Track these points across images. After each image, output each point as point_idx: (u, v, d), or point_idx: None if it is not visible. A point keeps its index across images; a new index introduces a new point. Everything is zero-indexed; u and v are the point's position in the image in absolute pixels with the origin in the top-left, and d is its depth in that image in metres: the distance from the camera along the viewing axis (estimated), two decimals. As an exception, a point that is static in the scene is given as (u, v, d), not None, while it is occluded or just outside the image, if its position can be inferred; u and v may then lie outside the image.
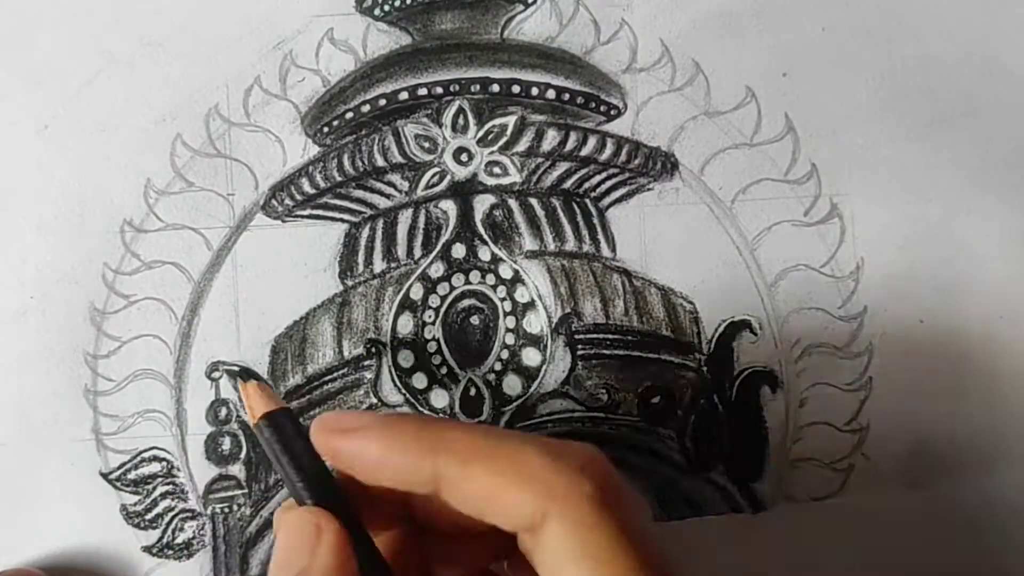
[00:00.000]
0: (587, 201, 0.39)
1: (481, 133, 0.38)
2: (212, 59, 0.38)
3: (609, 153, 0.39)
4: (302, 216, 0.38)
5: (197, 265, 0.37)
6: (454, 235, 0.38)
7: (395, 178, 0.38)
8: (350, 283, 0.38)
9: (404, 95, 0.38)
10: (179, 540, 0.37)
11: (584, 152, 0.39)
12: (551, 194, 0.39)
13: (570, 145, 0.39)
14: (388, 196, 0.38)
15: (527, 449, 0.26)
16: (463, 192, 0.38)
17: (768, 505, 0.39)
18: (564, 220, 0.39)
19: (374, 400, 0.38)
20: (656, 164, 0.39)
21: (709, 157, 0.39)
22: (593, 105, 0.39)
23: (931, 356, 0.39)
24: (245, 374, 0.37)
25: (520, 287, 0.38)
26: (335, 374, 0.38)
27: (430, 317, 0.38)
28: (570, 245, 0.39)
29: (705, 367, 0.39)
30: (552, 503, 0.25)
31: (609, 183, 0.39)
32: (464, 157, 0.38)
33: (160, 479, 0.37)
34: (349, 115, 0.38)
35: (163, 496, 0.37)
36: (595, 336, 0.38)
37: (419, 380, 0.38)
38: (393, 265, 0.38)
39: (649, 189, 0.39)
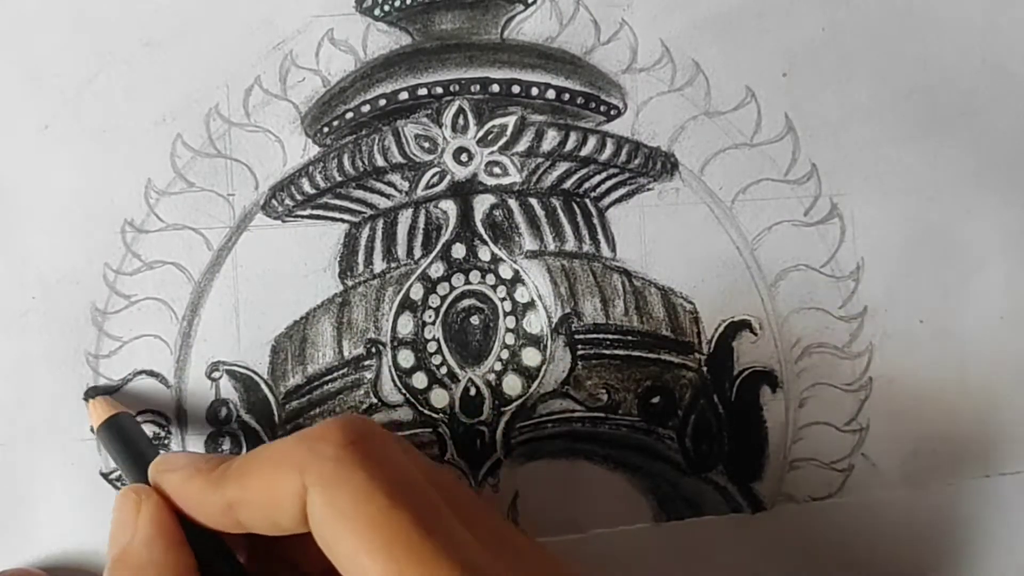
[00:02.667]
0: (587, 201, 0.39)
1: (481, 133, 0.38)
2: (212, 59, 0.38)
3: (609, 153, 0.39)
4: (302, 216, 0.38)
5: (197, 265, 0.37)
6: (454, 235, 0.38)
7: (395, 178, 0.38)
8: (350, 283, 0.38)
9: (404, 95, 0.38)
10: (179, 540, 0.37)
11: (584, 152, 0.39)
12: (551, 194, 0.39)
13: (570, 145, 0.39)
14: (388, 196, 0.38)
15: (284, 442, 0.28)
16: (463, 192, 0.38)
17: (768, 505, 0.39)
18: (564, 220, 0.39)
19: (374, 400, 0.38)
20: (656, 164, 0.39)
21: (709, 157, 0.39)
22: (593, 105, 0.39)
23: (931, 356, 0.39)
24: (91, 392, 0.37)
25: (520, 287, 0.38)
26: (335, 374, 0.38)
27: (430, 317, 0.38)
28: (570, 245, 0.39)
29: (705, 367, 0.39)
30: (304, 475, 0.26)
31: (609, 183, 0.39)
32: (464, 157, 0.38)
33: (160, 479, 0.37)
34: (349, 115, 0.38)
35: (163, 496, 0.37)
36: (595, 336, 0.38)
37: (419, 380, 0.38)
38: (393, 265, 0.38)
39: (649, 189, 0.39)
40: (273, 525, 0.27)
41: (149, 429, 0.37)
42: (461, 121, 0.38)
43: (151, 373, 0.37)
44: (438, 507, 0.26)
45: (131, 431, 0.34)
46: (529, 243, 0.39)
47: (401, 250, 0.38)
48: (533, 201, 0.39)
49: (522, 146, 0.39)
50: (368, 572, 0.25)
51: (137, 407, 0.37)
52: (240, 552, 0.31)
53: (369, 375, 0.38)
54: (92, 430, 0.35)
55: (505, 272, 0.38)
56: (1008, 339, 0.40)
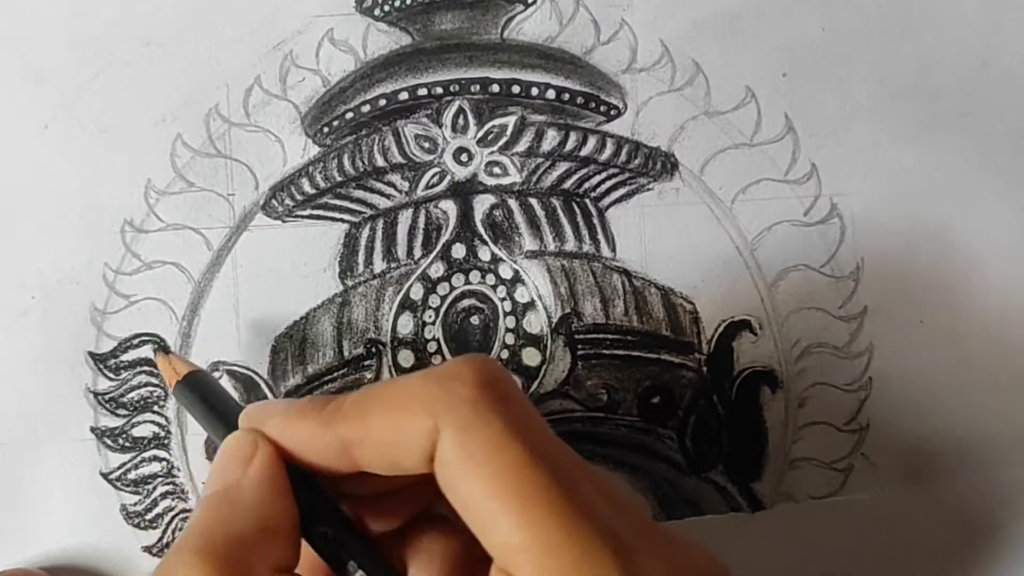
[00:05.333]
0: (587, 201, 0.39)
1: (481, 133, 0.38)
2: (212, 59, 0.38)
3: (609, 153, 0.39)
4: (302, 216, 0.38)
5: (197, 265, 0.37)
6: (454, 235, 0.38)
7: (395, 178, 0.38)
8: (350, 283, 0.38)
9: (404, 95, 0.38)
10: (179, 540, 0.37)
11: (584, 152, 0.39)
12: (551, 194, 0.39)
13: (570, 145, 0.39)
14: (388, 196, 0.38)
15: (411, 380, 0.26)
16: (463, 192, 0.38)
17: (768, 505, 0.39)
18: (564, 220, 0.39)
19: (374, 400, 0.38)
20: (656, 164, 0.39)
21: (709, 157, 0.39)
22: (593, 105, 0.39)
23: (931, 356, 0.39)
24: (162, 349, 0.36)
25: (520, 287, 0.38)
26: (335, 374, 0.38)
27: (430, 317, 0.38)
28: (570, 245, 0.39)
29: (705, 367, 0.39)
30: (438, 417, 0.25)
31: (609, 183, 0.39)
32: (464, 157, 0.38)
33: (160, 479, 0.37)
34: (349, 115, 0.38)
35: (163, 496, 0.37)
36: (595, 336, 0.38)
37: (419, 380, 0.38)
38: (393, 265, 0.38)
39: (649, 189, 0.39)
40: (393, 465, 0.26)
41: (149, 429, 0.37)
42: (461, 121, 0.38)
43: (151, 373, 0.37)
44: (573, 462, 0.26)
45: (214, 386, 0.33)
46: (529, 243, 0.39)
47: (401, 250, 0.38)
48: (533, 201, 0.39)
49: (522, 146, 0.39)
50: (499, 523, 0.24)
51: (137, 406, 0.37)
52: None
53: (369, 375, 0.38)
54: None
55: (505, 272, 0.38)
56: (1008, 339, 0.40)
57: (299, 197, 0.38)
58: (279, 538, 0.27)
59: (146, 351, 0.37)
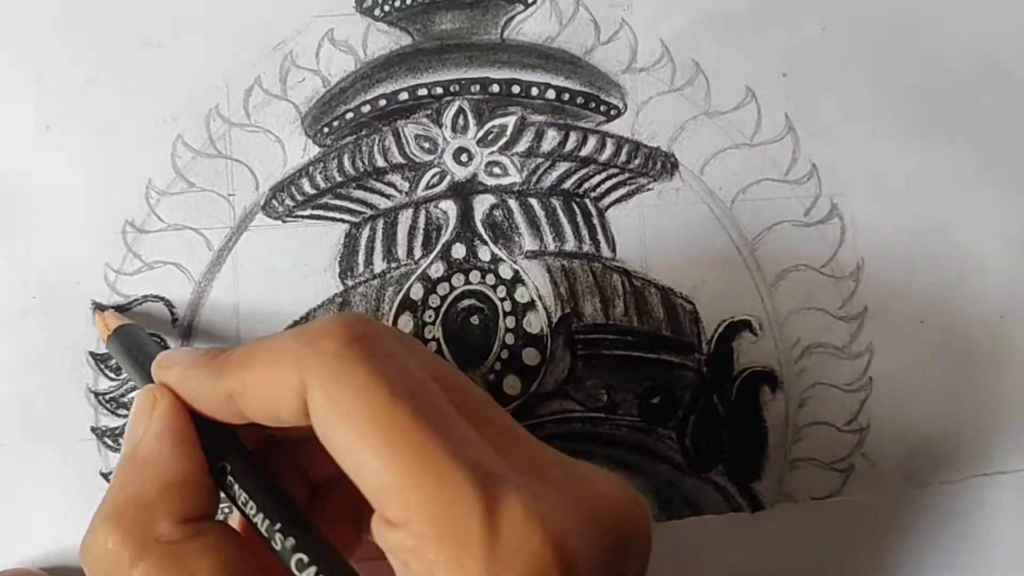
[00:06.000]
0: (587, 201, 0.39)
1: (481, 133, 0.38)
2: (212, 59, 0.38)
3: (609, 153, 0.39)
4: (302, 216, 0.38)
5: (198, 265, 0.37)
6: (454, 235, 0.38)
7: (395, 178, 0.38)
8: (350, 283, 0.38)
9: (404, 95, 0.38)
10: (180, 540, 0.37)
11: (584, 152, 0.39)
12: (551, 194, 0.39)
13: (570, 145, 0.39)
14: (388, 196, 0.38)
15: (282, 336, 0.27)
16: (463, 192, 0.38)
17: (768, 505, 0.39)
18: (564, 220, 0.39)
19: (374, 400, 0.38)
20: (656, 164, 0.39)
21: (709, 157, 0.39)
22: (593, 105, 0.39)
23: (931, 356, 0.39)
24: (99, 307, 0.37)
25: (520, 287, 0.38)
26: (335, 374, 0.38)
27: (430, 317, 0.38)
28: (570, 245, 0.39)
29: (705, 367, 0.39)
30: (303, 371, 0.26)
31: (609, 183, 0.39)
32: (464, 157, 0.38)
33: (160, 479, 0.37)
34: (349, 115, 0.38)
35: (164, 496, 0.37)
36: (595, 336, 0.38)
37: (419, 380, 0.38)
38: (393, 265, 0.38)
39: (649, 189, 0.39)
40: (274, 417, 0.27)
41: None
42: (461, 121, 0.38)
43: (151, 373, 0.37)
44: (441, 403, 0.26)
45: (141, 339, 0.34)
46: (529, 243, 0.39)
47: (401, 250, 0.38)
48: (533, 201, 0.39)
49: (522, 146, 0.39)
50: (368, 466, 0.25)
51: (137, 407, 0.37)
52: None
53: (369, 375, 0.38)
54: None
55: (505, 272, 0.38)
56: (1008, 339, 0.40)
57: (299, 197, 0.38)
58: (184, 489, 0.28)
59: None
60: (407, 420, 0.24)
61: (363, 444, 0.25)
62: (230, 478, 0.28)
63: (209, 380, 0.28)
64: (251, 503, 0.27)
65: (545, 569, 0.23)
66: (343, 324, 0.26)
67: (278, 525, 0.27)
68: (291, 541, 0.26)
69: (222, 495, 0.29)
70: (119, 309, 0.37)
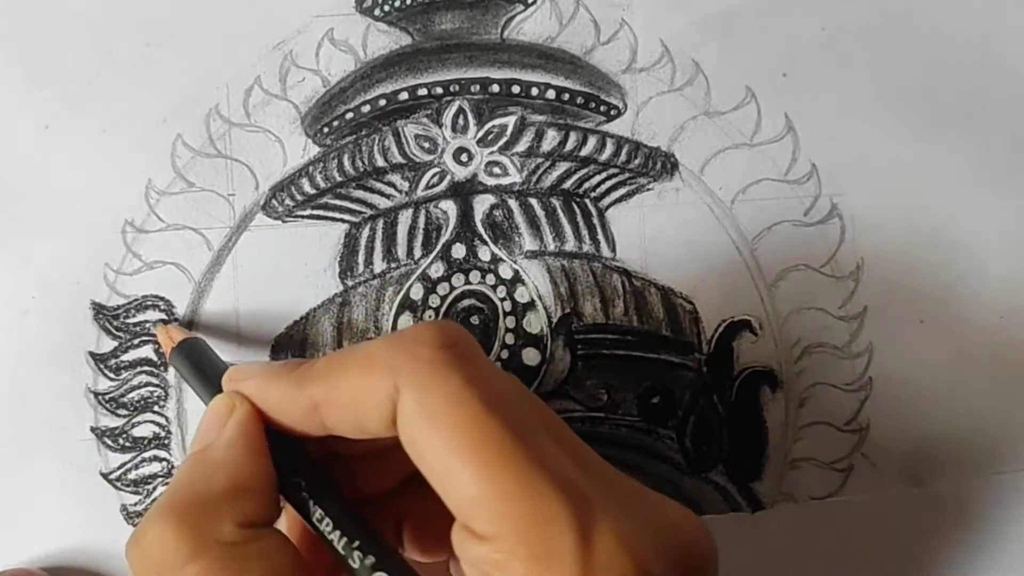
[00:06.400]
0: (587, 201, 0.39)
1: (481, 133, 0.38)
2: (212, 59, 0.38)
3: (609, 153, 0.39)
4: (302, 216, 0.38)
5: (197, 265, 0.37)
6: (454, 235, 0.38)
7: (395, 178, 0.38)
8: (350, 283, 0.38)
9: (404, 95, 0.38)
10: (179, 540, 0.37)
11: (584, 152, 0.39)
12: (551, 194, 0.39)
13: (570, 145, 0.39)
14: (388, 196, 0.38)
15: (374, 343, 0.27)
16: (463, 192, 0.38)
17: (768, 505, 0.39)
18: (564, 220, 0.39)
19: (374, 400, 0.38)
20: (656, 164, 0.39)
21: (709, 157, 0.39)
22: (593, 105, 0.39)
23: (931, 356, 0.39)
24: (162, 321, 0.37)
25: (520, 287, 0.38)
26: (335, 374, 0.38)
27: (430, 317, 0.38)
28: (570, 245, 0.39)
29: (705, 367, 0.39)
30: (397, 377, 0.25)
31: (609, 183, 0.39)
32: (464, 157, 0.38)
33: (160, 479, 0.37)
34: (349, 115, 0.38)
35: (163, 496, 0.37)
36: (595, 336, 0.38)
37: (419, 380, 0.38)
38: (393, 265, 0.38)
39: (649, 189, 0.39)
40: (358, 427, 0.27)
41: (149, 429, 0.37)
42: (461, 121, 0.38)
43: (151, 373, 0.37)
44: (531, 418, 0.26)
45: (206, 352, 0.34)
46: (529, 243, 0.39)
47: (401, 250, 0.38)
48: (533, 201, 0.39)
49: (522, 146, 0.39)
50: (458, 476, 0.24)
51: (138, 406, 0.37)
52: None
53: (369, 375, 0.38)
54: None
55: (505, 272, 0.38)
56: (1008, 339, 0.40)
57: (299, 197, 0.38)
58: (250, 495, 0.27)
59: (147, 351, 0.37)
60: (500, 431, 0.24)
61: (454, 453, 0.24)
62: (304, 494, 0.28)
63: (291, 390, 0.28)
64: (327, 520, 0.27)
65: None
66: (436, 329, 0.26)
67: (356, 543, 0.27)
68: (371, 559, 0.27)
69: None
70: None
